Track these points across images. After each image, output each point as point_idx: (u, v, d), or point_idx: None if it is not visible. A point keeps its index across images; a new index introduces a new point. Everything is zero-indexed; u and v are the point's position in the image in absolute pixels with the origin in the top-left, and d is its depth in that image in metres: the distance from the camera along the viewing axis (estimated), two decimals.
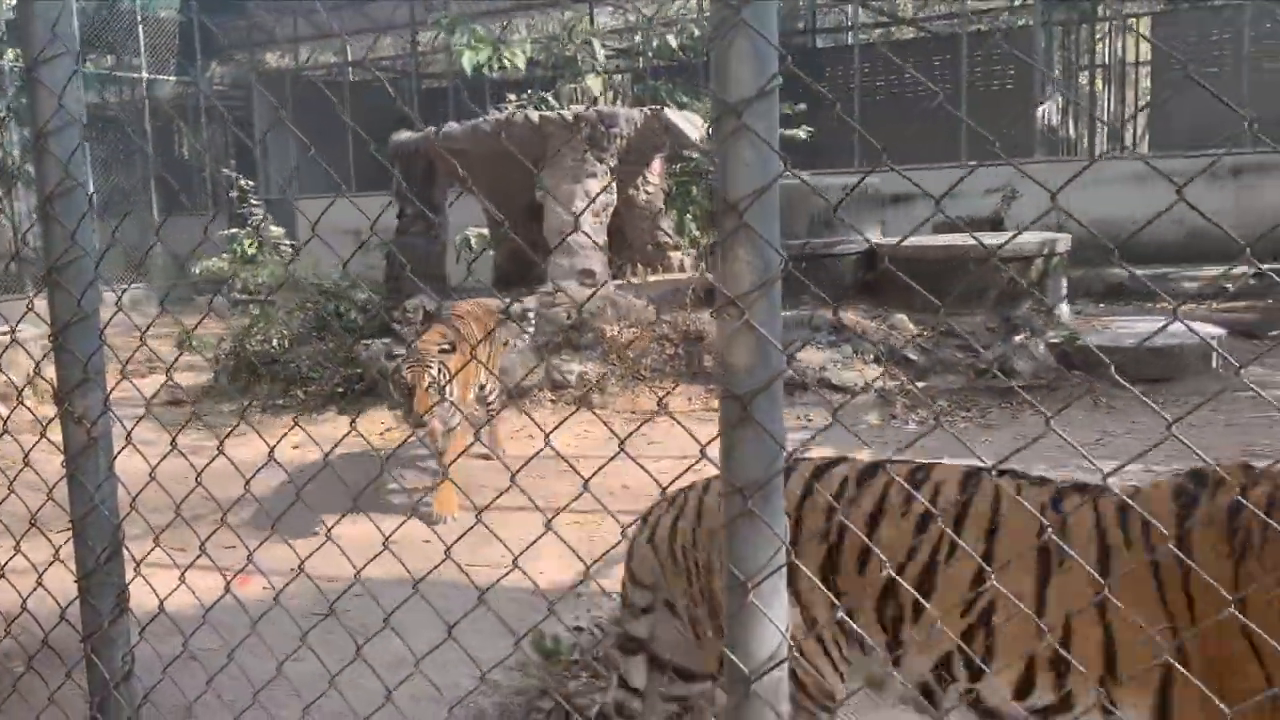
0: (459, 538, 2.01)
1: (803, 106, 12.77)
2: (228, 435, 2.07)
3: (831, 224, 8.84)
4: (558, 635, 3.42)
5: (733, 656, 1.10)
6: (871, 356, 7.68)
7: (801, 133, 11.90)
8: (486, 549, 2.75)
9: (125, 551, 1.69)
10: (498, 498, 1.92)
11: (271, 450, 1.97)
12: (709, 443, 1.18)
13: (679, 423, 1.42)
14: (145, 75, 16.88)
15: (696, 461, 1.25)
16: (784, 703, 1.12)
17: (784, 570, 1.12)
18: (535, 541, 1.90)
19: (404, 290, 8.93)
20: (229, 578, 2.18)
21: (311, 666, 2.10)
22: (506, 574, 1.45)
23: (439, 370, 5.26)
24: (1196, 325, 7.83)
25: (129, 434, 1.94)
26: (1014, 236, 1.60)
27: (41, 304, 1.61)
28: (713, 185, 10.18)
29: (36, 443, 1.80)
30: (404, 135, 9.06)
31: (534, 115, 8.33)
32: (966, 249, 8.02)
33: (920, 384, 7.54)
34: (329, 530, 1.78)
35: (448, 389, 5.28)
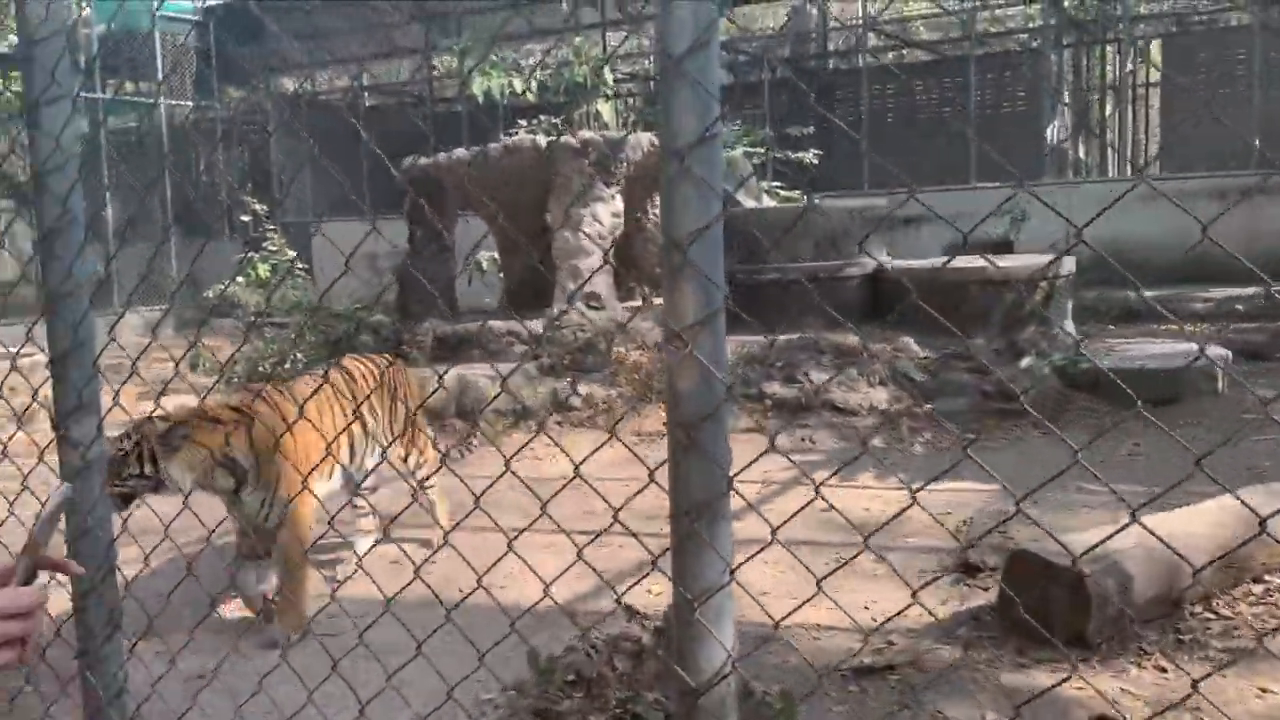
0: (431, 554, 2.06)
1: (811, 130, 12.88)
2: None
3: (838, 246, 8.91)
4: (553, 654, 3.47)
5: (680, 671, 1.15)
6: (877, 379, 7.71)
7: (810, 156, 12.01)
8: (494, 571, 2.81)
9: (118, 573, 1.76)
10: (467, 517, 1.98)
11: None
12: (658, 468, 1.23)
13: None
14: (164, 100, 17.13)
15: (645, 487, 1.31)
16: (732, 715, 1.18)
17: (730, 589, 1.18)
18: (498, 561, 1.95)
19: (414, 313, 9.03)
20: (218, 598, 2.26)
21: (313, 681, 2.16)
22: (472, 593, 1.49)
23: (136, 444, 3.76)
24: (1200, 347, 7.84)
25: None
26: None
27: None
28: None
29: (35, 466, 1.87)
30: (415, 160, 9.18)
31: (541, 141, 8.44)
32: (974, 272, 8.06)
33: (926, 406, 7.57)
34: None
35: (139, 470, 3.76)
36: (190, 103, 17.80)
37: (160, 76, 16.81)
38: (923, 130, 15.21)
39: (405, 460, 5.13)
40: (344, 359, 5.07)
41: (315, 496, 3.46)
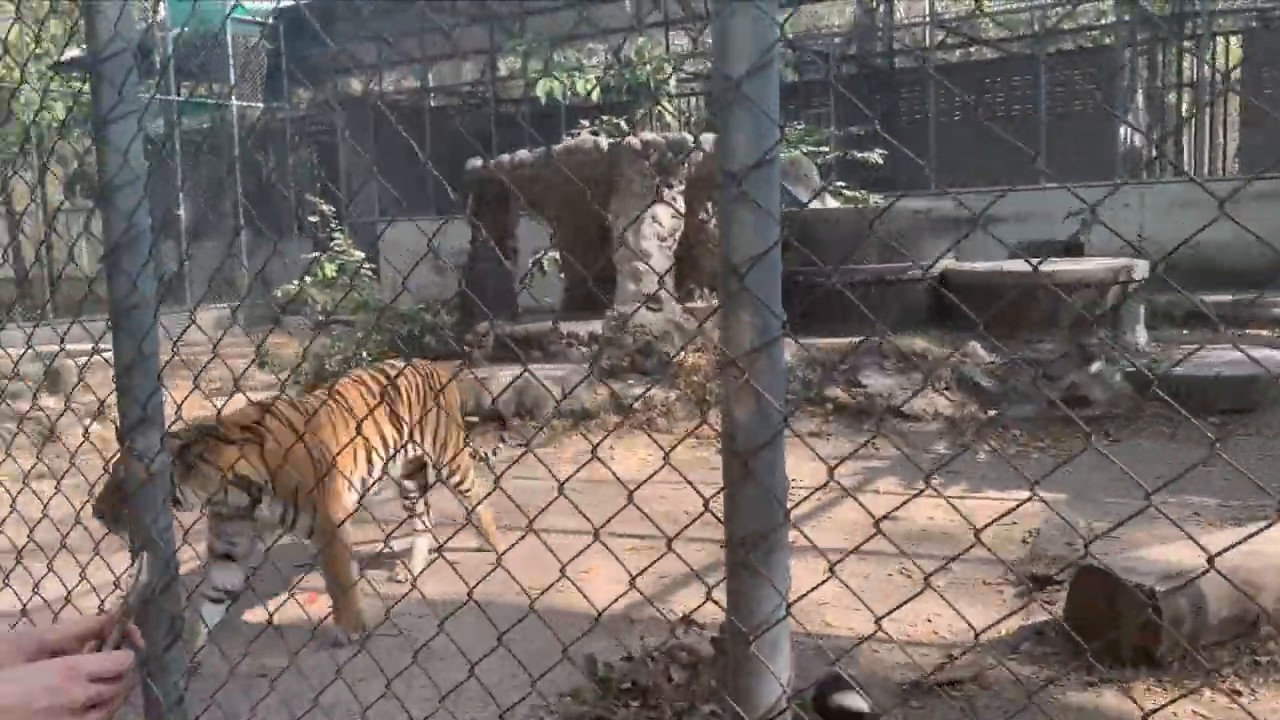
0: (509, 547, 2.03)
1: (876, 129, 12.71)
2: (287, 453, 2.16)
3: (902, 247, 8.78)
4: (610, 662, 3.46)
5: (735, 705, 1.13)
6: (942, 384, 7.59)
7: (875, 156, 11.85)
8: (543, 574, 2.80)
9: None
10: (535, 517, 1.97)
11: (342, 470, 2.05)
12: (714, 495, 1.21)
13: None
14: (235, 102, 17.48)
15: (699, 515, 1.29)
16: None
17: (786, 622, 1.15)
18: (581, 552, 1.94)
19: (475, 314, 9.10)
20: (296, 595, 2.28)
21: (372, 687, 2.17)
22: (555, 582, 1.46)
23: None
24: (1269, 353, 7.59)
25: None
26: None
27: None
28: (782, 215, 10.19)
29: (102, 475, 1.90)
30: (478, 162, 9.25)
31: (603, 142, 8.44)
32: (1042, 275, 7.89)
33: (992, 413, 7.43)
34: (386, 541, 1.83)
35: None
36: (260, 104, 18.15)
37: (232, 79, 17.17)
38: (986, 129, 14.93)
39: (439, 471, 5.02)
40: (358, 370, 4.98)
41: (343, 502, 3.47)
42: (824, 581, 1.38)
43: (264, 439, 3.90)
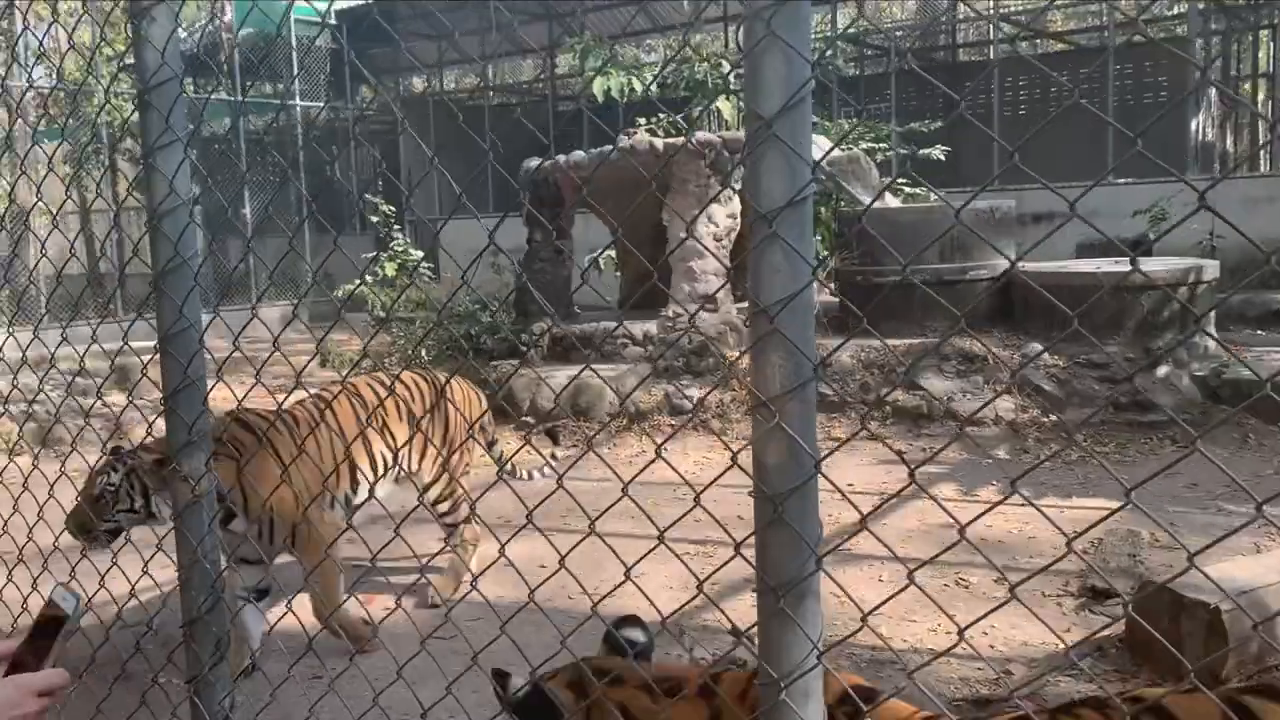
0: (571, 548, 2.01)
1: (939, 124, 12.51)
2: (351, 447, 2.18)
3: (965, 248, 8.63)
4: None
5: None
6: (1004, 388, 7.45)
7: (937, 152, 11.67)
8: (590, 576, 2.79)
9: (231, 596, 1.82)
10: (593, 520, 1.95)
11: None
12: (743, 540, 1.19)
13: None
14: (298, 102, 17.76)
15: (730, 559, 1.27)
16: None
17: (819, 670, 1.13)
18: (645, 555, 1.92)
19: (532, 312, 9.14)
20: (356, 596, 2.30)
21: (432, 689, 2.18)
22: (619, 585, 1.44)
23: (127, 478, 3.63)
24: None
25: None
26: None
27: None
28: (838, 214, 10.09)
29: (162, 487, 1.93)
30: (534, 162, 9.28)
31: (659, 142, 8.42)
32: (1108, 275, 7.70)
33: (1055, 416, 7.27)
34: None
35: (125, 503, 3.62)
36: (323, 103, 18.42)
37: (294, 79, 17.44)
38: (1056, 123, 14.60)
39: (427, 490, 4.66)
40: (359, 379, 4.67)
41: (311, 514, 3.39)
42: (899, 592, 1.33)
43: (239, 454, 3.78)
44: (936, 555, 1.26)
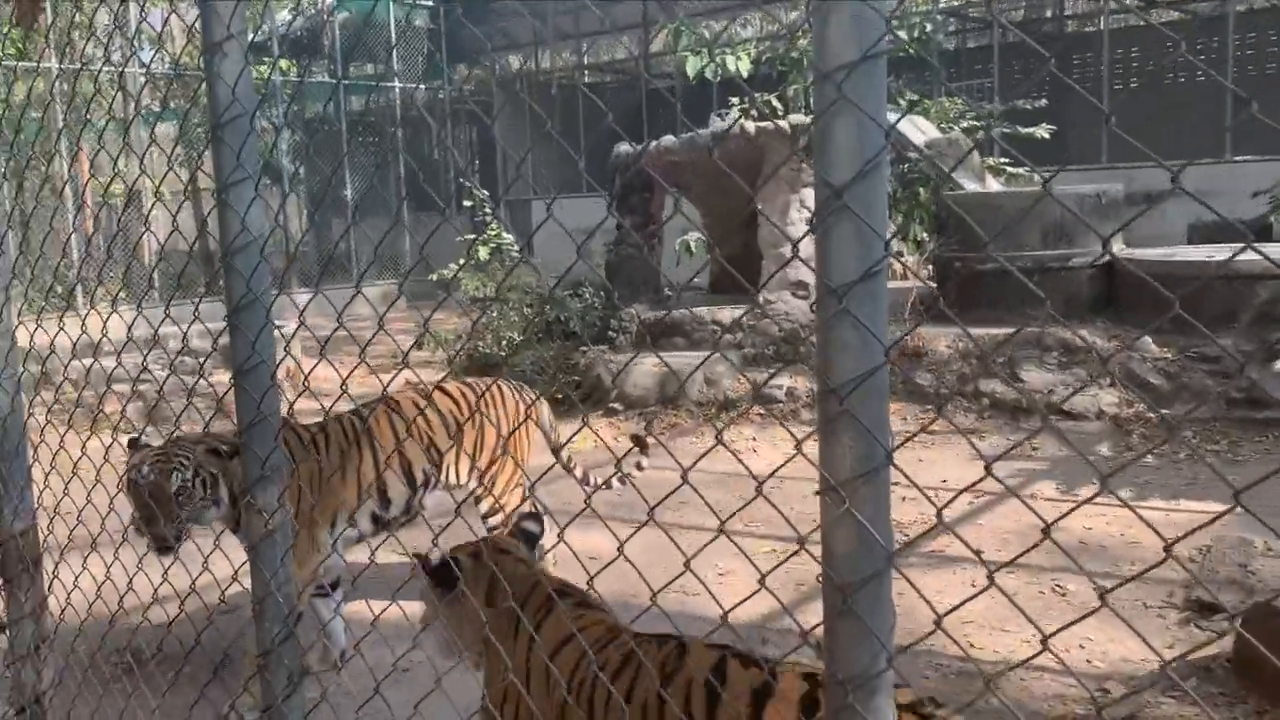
0: (630, 534, 1.96)
1: (1044, 103, 12.07)
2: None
3: (1068, 234, 8.31)
4: None
5: None
6: (1107, 380, 7.17)
7: (1043, 131, 11.25)
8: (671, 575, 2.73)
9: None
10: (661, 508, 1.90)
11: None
12: (811, 630, 1.12)
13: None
14: (398, 84, 18.01)
15: (797, 647, 1.20)
16: None
17: (889, 674, 1.06)
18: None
19: (622, 297, 9.12)
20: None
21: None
22: (677, 577, 1.39)
23: (196, 474, 3.52)
24: None
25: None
26: None
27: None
28: (937, 198, 9.80)
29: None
30: (624, 147, 9.23)
31: (750, 126, 8.28)
32: (1220, 264, 7.33)
33: (1162, 413, 6.97)
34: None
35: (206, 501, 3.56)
36: (420, 84, 18.64)
37: (393, 60, 17.69)
38: (1171, 98, 13.94)
39: (478, 504, 4.57)
40: (402, 391, 4.58)
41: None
42: (978, 594, 1.23)
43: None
44: (1017, 557, 1.16)
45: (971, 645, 4.19)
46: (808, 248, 1.03)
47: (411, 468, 4.28)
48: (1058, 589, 4.71)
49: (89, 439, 2.74)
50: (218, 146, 1.68)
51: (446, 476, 4.44)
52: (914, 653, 3.99)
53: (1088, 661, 4.00)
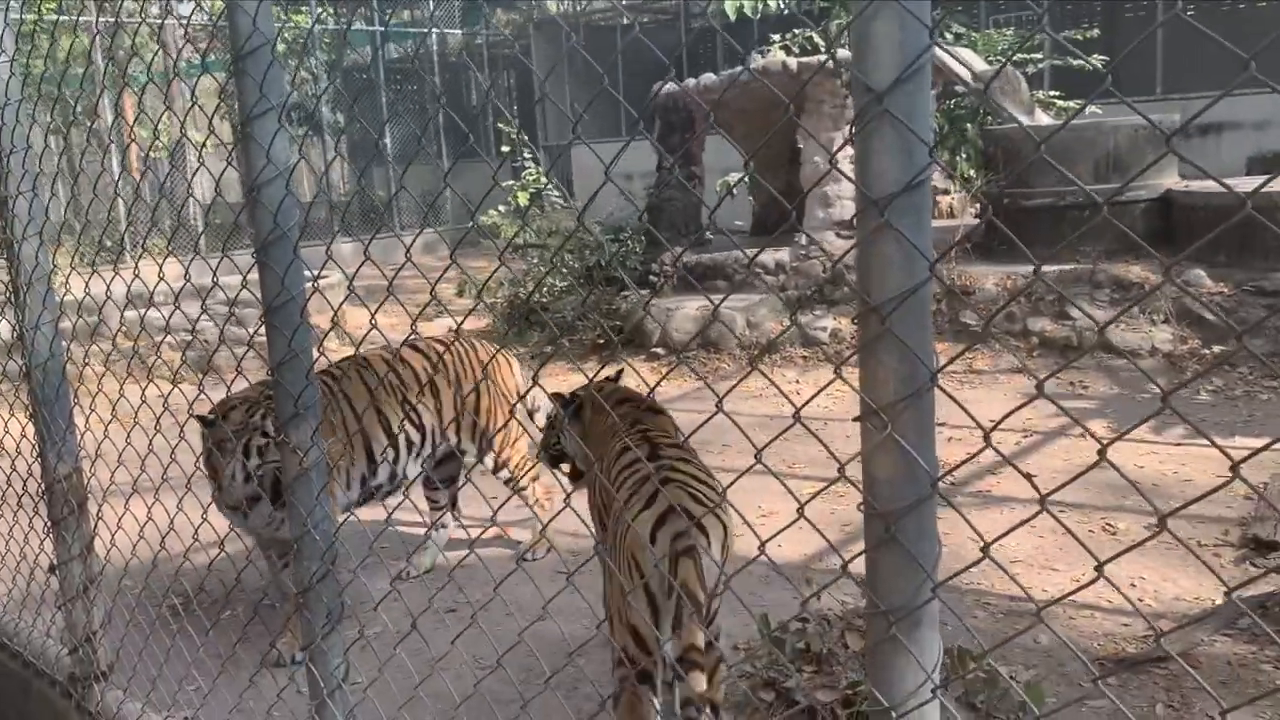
0: (645, 475, 1.97)
1: (1096, 32, 11.70)
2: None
3: (1120, 167, 8.07)
4: (785, 622, 3.36)
5: None
6: (1161, 317, 6.99)
7: (1095, 61, 10.90)
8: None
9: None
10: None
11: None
12: (853, 559, 1.08)
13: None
14: (434, 30, 17.86)
15: (837, 578, 1.16)
16: None
17: (935, 703, 1.02)
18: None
19: (661, 241, 9.03)
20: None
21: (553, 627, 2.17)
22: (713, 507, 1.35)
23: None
24: None
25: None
26: None
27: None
28: (984, 133, 9.55)
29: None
30: (664, 87, 9.08)
31: (792, 62, 8.09)
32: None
33: (1218, 349, 6.80)
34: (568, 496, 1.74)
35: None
36: (459, 30, 18.48)
37: (430, 5, 17.51)
38: (1228, 22, 13.41)
39: (483, 461, 4.51)
40: (376, 351, 4.40)
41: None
42: (1030, 518, 1.16)
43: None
44: (1067, 482, 1.10)
45: (1021, 585, 4.14)
46: (849, 187, 0.96)
47: (390, 431, 4.13)
48: (1108, 528, 4.63)
49: (143, 386, 2.75)
50: (240, 78, 1.64)
51: (438, 440, 4.31)
52: (961, 591, 3.95)
53: (1140, 600, 3.93)
